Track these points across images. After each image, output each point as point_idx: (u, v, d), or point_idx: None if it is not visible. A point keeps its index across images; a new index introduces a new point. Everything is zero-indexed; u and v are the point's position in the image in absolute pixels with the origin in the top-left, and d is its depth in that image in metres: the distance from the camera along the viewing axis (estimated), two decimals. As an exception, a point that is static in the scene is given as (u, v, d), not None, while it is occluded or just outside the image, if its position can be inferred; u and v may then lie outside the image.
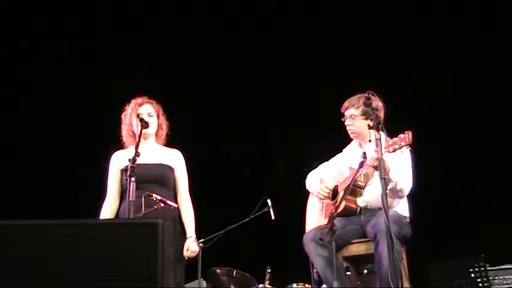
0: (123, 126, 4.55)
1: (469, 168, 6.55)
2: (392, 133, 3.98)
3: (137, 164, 3.94)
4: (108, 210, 4.42)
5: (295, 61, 7.18)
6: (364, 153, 4.18)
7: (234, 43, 7.23)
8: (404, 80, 6.75)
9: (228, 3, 7.02)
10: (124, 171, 4.26)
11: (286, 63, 7.20)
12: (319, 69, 7.06)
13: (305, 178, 4.78)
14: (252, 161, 7.47)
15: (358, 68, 6.85)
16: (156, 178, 4.33)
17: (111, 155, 4.58)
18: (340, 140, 4.73)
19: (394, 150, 3.84)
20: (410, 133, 3.79)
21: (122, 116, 4.56)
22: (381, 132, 3.92)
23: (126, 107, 4.57)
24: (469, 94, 6.66)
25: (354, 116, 4.44)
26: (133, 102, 4.54)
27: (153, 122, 4.47)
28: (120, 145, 4.59)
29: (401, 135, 3.83)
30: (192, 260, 4.47)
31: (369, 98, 4.03)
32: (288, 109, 7.43)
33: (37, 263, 2.40)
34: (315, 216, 4.66)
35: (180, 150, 4.62)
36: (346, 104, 4.51)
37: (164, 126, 4.59)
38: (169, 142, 4.64)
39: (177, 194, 4.47)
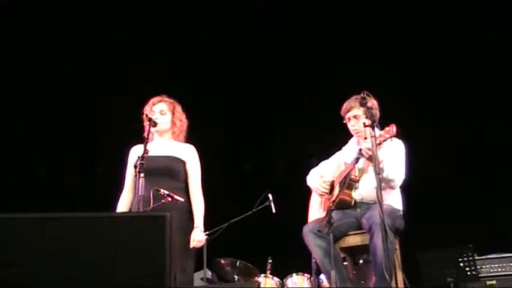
0: (144, 124, 4.49)
1: (458, 162, 6.57)
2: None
3: (148, 157, 3.98)
4: (122, 202, 4.43)
5: (295, 60, 7.18)
6: (360, 149, 4.20)
7: (234, 42, 7.24)
8: (397, 77, 6.76)
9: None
10: (134, 166, 4.27)
11: (287, 62, 7.19)
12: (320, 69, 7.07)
13: (304, 174, 4.79)
14: (254, 157, 7.45)
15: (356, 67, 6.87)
16: (164, 170, 4.30)
17: (130, 148, 4.59)
18: (338, 138, 4.75)
19: (380, 143, 3.93)
20: (394, 126, 3.89)
21: (143, 115, 4.52)
22: (376, 130, 3.95)
23: (145, 106, 4.57)
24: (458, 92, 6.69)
25: (358, 116, 4.41)
26: (150, 101, 4.55)
27: (164, 120, 4.47)
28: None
29: (386, 128, 3.93)
30: (199, 250, 4.44)
31: (364, 98, 4.05)
32: (288, 107, 7.42)
33: (46, 255, 2.38)
34: (316, 211, 4.66)
35: (195, 146, 4.59)
36: (347, 106, 4.48)
37: (179, 123, 4.55)
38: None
39: (189, 187, 4.44)
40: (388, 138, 3.88)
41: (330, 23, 6.91)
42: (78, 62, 7.09)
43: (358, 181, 4.33)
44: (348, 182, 4.28)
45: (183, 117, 4.60)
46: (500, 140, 6.54)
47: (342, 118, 4.52)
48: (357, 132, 4.48)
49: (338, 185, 4.38)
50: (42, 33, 7.01)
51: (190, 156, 4.51)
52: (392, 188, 4.31)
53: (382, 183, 4.08)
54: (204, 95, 7.20)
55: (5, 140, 7.02)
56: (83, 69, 7.08)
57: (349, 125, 4.51)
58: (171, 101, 4.57)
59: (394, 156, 4.22)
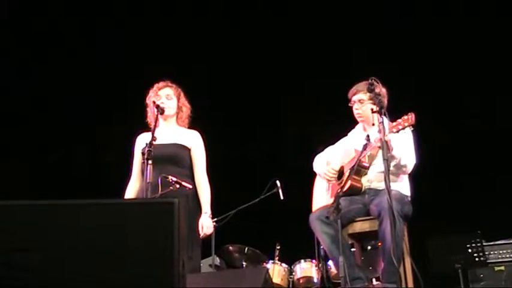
0: (148, 109, 4.53)
1: (464, 148, 6.54)
2: (394, 117, 3.98)
3: (154, 144, 3.96)
4: (130, 190, 4.43)
5: (298, 48, 7.15)
6: (368, 136, 4.19)
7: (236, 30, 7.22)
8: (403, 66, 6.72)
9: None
10: (142, 153, 4.23)
11: (289, 50, 7.17)
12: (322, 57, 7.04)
13: (312, 160, 4.76)
14: (262, 143, 7.43)
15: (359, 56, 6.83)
16: (169, 157, 4.27)
17: (136, 136, 4.57)
18: (342, 124, 4.73)
19: (398, 131, 3.87)
20: (413, 114, 3.82)
21: (147, 101, 4.53)
22: (384, 117, 3.92)
23: (149, 91, 4.54)
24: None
25: (362, 101, 4.41)
26: (155, 87, 4.52)
27: (171, 105, 4.44)
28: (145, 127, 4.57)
29: (405, 117, 3.85)
30: (207, 238, 4.39)
31: (372, 84, 4.01)
32: (292, 93, 7.41)
33: (56, 241, 2.32)
34: (321, 196, 4.63)
35: (200, 132, 4.56)
36: (353, 90, 4.48)
37: (185, 109, 4.53)
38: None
39: (194, 173, 4.41)
40: (407, 126, 3.82)
41: (339, 8, 6.87)
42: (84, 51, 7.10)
43: (368, 168, 4.30)
44: (357, 169, 4.23)
45: (187, 102, 4.58)
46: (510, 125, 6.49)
47: (349, 101, 4.51)
48: (360, 117, 4.48)
49: (348, 171, 4.35)
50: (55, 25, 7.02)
51: (195, 143, 4.47)
52: (404, 173, 4.29)
53: (394, 169, 4.09)
54: (212, 81, 7.19)
55: (16, 129, 7.04)
56: (91, 57, 7.08)
57: (353, 109, 4.49)
58: (176, 86, 4.54)
59: (404, 141, 4.18)
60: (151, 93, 4.51)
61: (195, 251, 4.26)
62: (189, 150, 4.44)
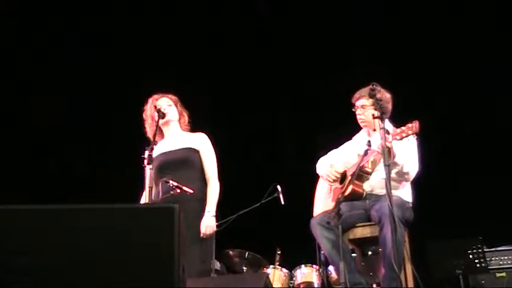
0: (146, 124, 4.56)
1: (465, 153, 6.56)
2: (396, 121, 4.01)
3: (163, 153, 4.09)
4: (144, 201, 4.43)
5: (298, 48, 7.17)
6: (369, 141, 4.18)
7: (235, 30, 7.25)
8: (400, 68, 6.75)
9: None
10: (143, 158, 4.21)
11: (289, 50, 7.19)
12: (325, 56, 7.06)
13: (314, 164, 4.77)
14: (263, 147, 7.45)
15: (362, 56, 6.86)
16: (180, 162, 4.34)
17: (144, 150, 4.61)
18: (348, 128, 4.74)
19: (402, 138, 3.86)
20: (417, 122, 3.81)
21: (143, 115, 4.58)
22: (387, 121, 3.93)
23: (145, 106, 4.59)
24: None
25: (365, 106, 4.41)
26: (150, 99, 4.57)
27: (172, 110, 4.52)
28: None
29: (409, 125, 3.84)
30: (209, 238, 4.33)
31: (373, 89, 4.02)
32: (293, 95, 7.43)
33: (53, 246, 2.35)
34: (323, 199, 4.63)
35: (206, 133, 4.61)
36: (357, 95, 4.48)
37: (185, 114, 4.61)
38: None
39: (205, 174, 4.45)
40: (411, 134, 3.82)
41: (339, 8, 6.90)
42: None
43: (371, 173, 4.30)
44: (359, 174, 4.23)
45: (185, 110, 4.64)
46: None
47: (352, 106, 4.53)
48: (363, 122, 4.48)
49: (350, 176, 4.37)
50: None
51: (203, 145, 4.53)
52: (406, 180, 4.29)
53: (396, 176, 4.11)
54: (211, 82, 7.21)
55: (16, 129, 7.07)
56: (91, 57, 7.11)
57: (356, 113, 4.51)
58: (172, 95, 4.61)
59: (408, 150, 4.19)
60: (148, 105, 4.56)
61: (209, 254, 4.31)
62: (198, 152, 4.49)
